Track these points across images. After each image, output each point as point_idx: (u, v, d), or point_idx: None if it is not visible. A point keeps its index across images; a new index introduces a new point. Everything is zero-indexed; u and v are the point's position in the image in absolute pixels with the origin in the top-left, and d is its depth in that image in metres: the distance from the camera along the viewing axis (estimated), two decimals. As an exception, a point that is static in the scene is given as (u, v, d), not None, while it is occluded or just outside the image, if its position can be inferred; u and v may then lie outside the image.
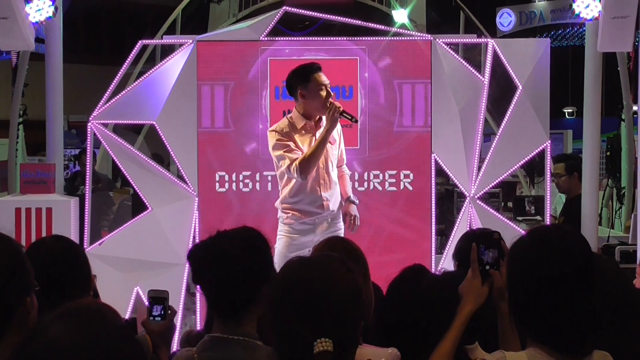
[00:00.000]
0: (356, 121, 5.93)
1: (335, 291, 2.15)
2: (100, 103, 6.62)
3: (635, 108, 9.37)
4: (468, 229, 6.34)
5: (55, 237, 3.51)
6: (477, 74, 6.76)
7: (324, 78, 5.78)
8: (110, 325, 1.49)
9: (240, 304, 2.72)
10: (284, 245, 5.83)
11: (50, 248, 3.25)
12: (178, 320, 6.03)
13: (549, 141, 6.74)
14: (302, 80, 5.79)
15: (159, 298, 3.14)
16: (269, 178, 6.70)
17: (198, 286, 2.92)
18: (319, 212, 5.87)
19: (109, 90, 6.61)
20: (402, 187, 6.78)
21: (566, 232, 2.46)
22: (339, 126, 6.01)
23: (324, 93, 5.75)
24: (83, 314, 1.49)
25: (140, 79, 6.78)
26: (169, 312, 3.16)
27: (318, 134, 5.81)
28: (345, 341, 2.13)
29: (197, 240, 6.61)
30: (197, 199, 6.67)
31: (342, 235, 5.87)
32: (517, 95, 6.66)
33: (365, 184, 6.77)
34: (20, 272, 2.27)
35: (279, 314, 2.17)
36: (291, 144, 5.77)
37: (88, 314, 1.50)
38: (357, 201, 6.04)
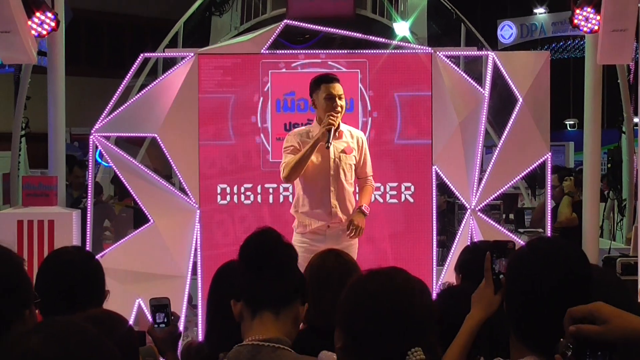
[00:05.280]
0: (327, 147, 5.73)
1: (421, 299, 2.20)
2: (102, 116, 6.64)
3: (635, 120, 9.41)
4: (469, 241, 6.35)
5: (77, 247, 3.57)
6: (478, 86, 6.77)
7: (334, 89, 5.79)
8: (90, 338, 1.50)
9: (288, 295, 2.70)
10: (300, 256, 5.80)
11: (72, 257, 3.31)
12: (180, 328, 6.04)
13: (550, 153, 6.75)
14: (314, 88, 5.89)
15: (160, 305, 3.20)
16: (271, 190, 6.72)
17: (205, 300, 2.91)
18: (328, 219, 5.84)
19: (111, 103, 6.63)
20: (403, 199, 6.79)
21: (564, 244, 2.48)
22: (359, 136, 6.03)
23: (330, 103, 5.76)
24: (62, 327, 1.51)
25: (142, 92, 6.81)
26: (172, 317, 3.20)
27: (336, 142, 5.84)
28: (429, 348, 2.16)
29: (199, 252, 6.64)
30: (198, 211, 6.68)
31: (356, 248, 5.87)
32: (517, 108, 6.68)
33: (367, 196, 6.77)
34: (18, 285, 2.27)
35: (368, 329, 2.17)
36: (296, 146, 5.84)
37: (67, 326, 1.51)
38: (367, 212, 5.93)
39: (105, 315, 2.71)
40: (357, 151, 5.98)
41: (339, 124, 5.83)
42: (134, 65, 6.81)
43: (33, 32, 6.27)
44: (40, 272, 3.24)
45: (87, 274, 3.26)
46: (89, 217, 6.71)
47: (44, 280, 3.16)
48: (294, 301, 2.70)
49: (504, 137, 6.74)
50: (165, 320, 3.19)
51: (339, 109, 5.77)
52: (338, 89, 5.80)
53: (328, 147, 5.72)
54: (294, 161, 5.75)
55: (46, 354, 1.43)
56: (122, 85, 6.71)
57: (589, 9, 6.38)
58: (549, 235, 6.75)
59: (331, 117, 5.69)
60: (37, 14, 6.24)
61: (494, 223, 6.93)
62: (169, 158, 6.71)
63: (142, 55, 6.83)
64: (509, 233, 7.00)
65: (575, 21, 6.47)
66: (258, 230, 2.84)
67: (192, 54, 6.73)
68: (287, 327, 2.67)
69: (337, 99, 5.77)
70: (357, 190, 6.08)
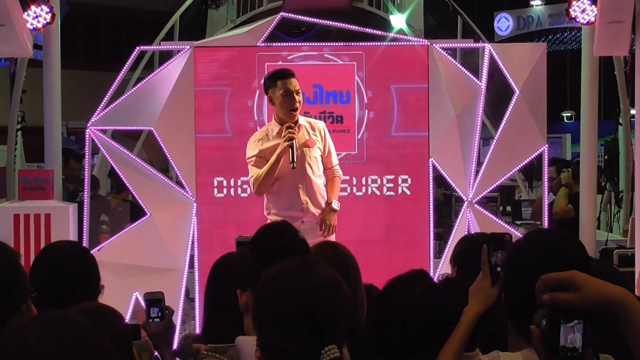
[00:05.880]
0: (293, 167, 5.61)
1: (329, 296, 2.11)
2: (99, 109, 6.63)
3: (632, 112, 9.40)
4: (466, 233, 6.35)
5: (71, 242, 3.58)
6: (475, 78, 6.77)
7: (290, 84, 5.67)
8: (85, 333, 1.49)
9: None
10: None
11: (66, 252, 3.30)
12: (177, 324, 6.04)
13: (547, 145, 6.75)
14: (269, 84, 5.76)
15: (155, 300, 3.20)
16: (267, 183, 6.71)
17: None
18: (300, 215, 5.76)
19: (107, 96, 6.62)
20: (400, 191, 6.79)
21: (562, 236, 2.47)
22: (321, 126, 5.94)
23: (288, 99, 5.66)
24: (58, 321, 1.50)
25: (139, 85, 6.81)
26: (167, 312, 3.19)
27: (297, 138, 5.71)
28: (340, 345, 2.12)
29: (196, 246, 6.64)
30: (195, 204, 6.68)
31: (333, 239, 5.83)
32: (514, 100, 6.67)
33: (364, 189, 6.78)
34: (15, 280, 2.27)
35: (274, 328, 2.10)
36: (258, 153, 5.75)
37: (63, 321, 1.50)
38: (338, 208, 5.85)
39: (99, 308, 2.70)
40: (321, 142, 5.89)
41: (297, 119, 5.73)
42: (130, 59, 6.80)
43: (28, 25, 6.26)
44: (34, 267, 3.24)
45: (81, 269, 3.25)
46: (85, 211, 6.70)
47: (37, 275, 3.15)
48: None
49: (500, 129, 6.74)
50: (160, 314, 3.18)
51: (297, 104, 5.68)
52: (295, 84, 5.70)
53: (294, 167, 5.61)
54: (262, 176, 5.68)
55: (42, 349, 1.43)
56: (118, 79, 6.70)
57: (585, 1, 6.38)
58: (547, 227, 6.75)
59: (290, 132, 5.59)
60: (32, 7, 6.23)
61: (491, 215, 6.94)
62: (166, 151, 6.70)
63: (138, 48, 6.82)
64: (506, 225, 7.01)
65: (572, 13, 6.46)
66: (274, 223, 2.83)
67: (188, 47, 6.73)
68: None
69: (294, 94, 5.67)
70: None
